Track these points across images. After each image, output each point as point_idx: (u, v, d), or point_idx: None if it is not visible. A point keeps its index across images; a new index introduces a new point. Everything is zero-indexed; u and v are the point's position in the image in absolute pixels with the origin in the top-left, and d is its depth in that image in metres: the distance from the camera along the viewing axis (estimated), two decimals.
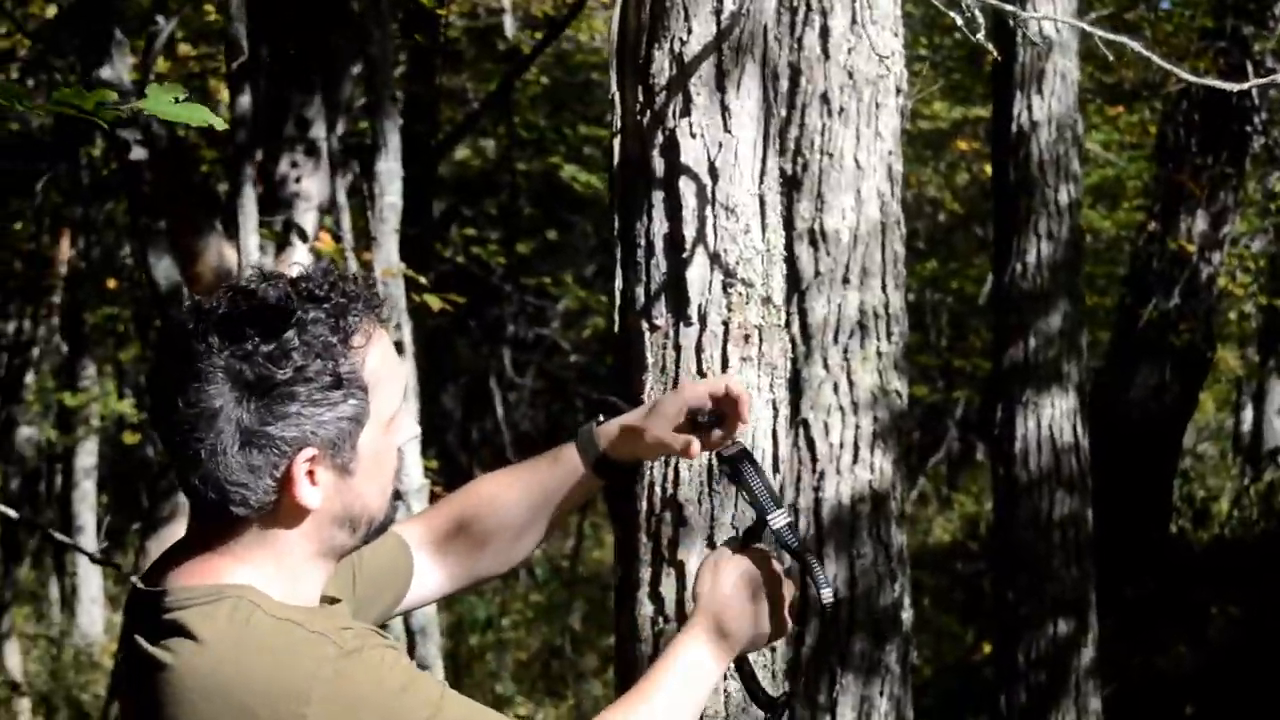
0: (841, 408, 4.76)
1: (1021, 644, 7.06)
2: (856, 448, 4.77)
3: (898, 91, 4.78)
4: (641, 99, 3.13)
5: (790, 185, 4.73)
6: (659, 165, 3.10)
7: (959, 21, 3.39)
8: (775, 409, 3.13)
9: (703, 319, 3.07)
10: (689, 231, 3.07)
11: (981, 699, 7.95)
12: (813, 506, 4.77)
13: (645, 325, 3.09)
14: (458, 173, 16.51)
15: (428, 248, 15.40)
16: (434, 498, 5.85)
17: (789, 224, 4.73)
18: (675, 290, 3.07)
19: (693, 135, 3.08)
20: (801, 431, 4.77)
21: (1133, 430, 10.05)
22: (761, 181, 3.12)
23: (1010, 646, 7.13)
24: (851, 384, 4.76)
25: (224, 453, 2.25)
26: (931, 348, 17.58)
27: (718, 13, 3.08)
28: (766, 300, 3.11)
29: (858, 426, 4.77)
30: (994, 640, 7.35)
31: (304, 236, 5.59)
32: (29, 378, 13.72)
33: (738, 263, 3.08)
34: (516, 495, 2.86)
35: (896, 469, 4.85)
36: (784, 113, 4.71)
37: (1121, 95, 12.88)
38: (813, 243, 4.72)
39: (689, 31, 3.08)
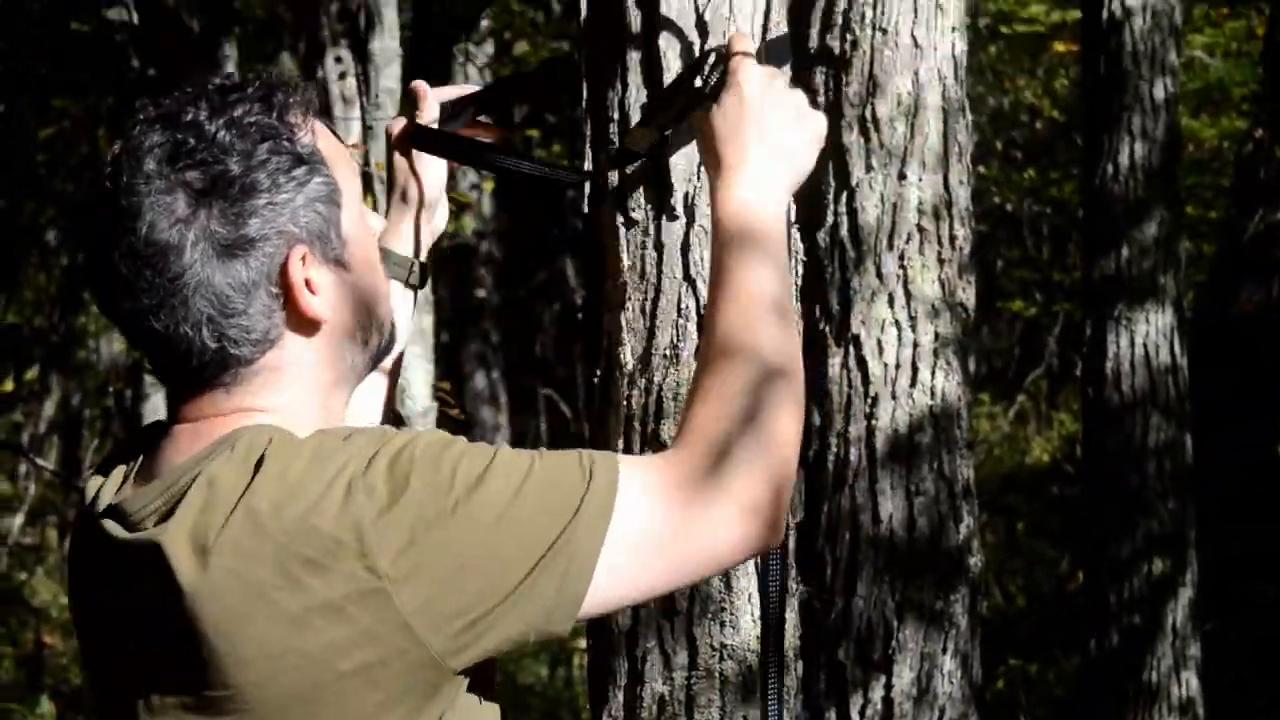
0: (897, 322, 4.15)
1: (1113, 584, 6.48)
2: (915, 368, 4.16)
3: None
4: None
5: (837, 65, 4.11)
6: (635, 19, 2.47)
7: None
8: None
9: (689, 211, 2.46)
10: None
11: (1075, 635, 7.37)
12: (864, 436, 4.17)
13: (620, 219, 2.49)
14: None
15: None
16: (443, 420, 5.28)
17: (835, 110, 4.12)
18: (656, 176, 2.46)
19: None
20: (851, 350, 4.17)
21: (1237, 352, 9.37)
22: (765, 35, 2.50)
23: (1100, 586, 6.56)
24: (909, 295, 4.15)
25: (208, 281, 1.85)
26: (1030, 261, 17.01)
27: None
28: None
29: (916, 344, 4.16)
30: (1084, 579, 6.78)
31: None
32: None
33: None
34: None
35: (961, 392, 4.24)
36: None
37: None
38: (863, 132, 4.09)
39: None
